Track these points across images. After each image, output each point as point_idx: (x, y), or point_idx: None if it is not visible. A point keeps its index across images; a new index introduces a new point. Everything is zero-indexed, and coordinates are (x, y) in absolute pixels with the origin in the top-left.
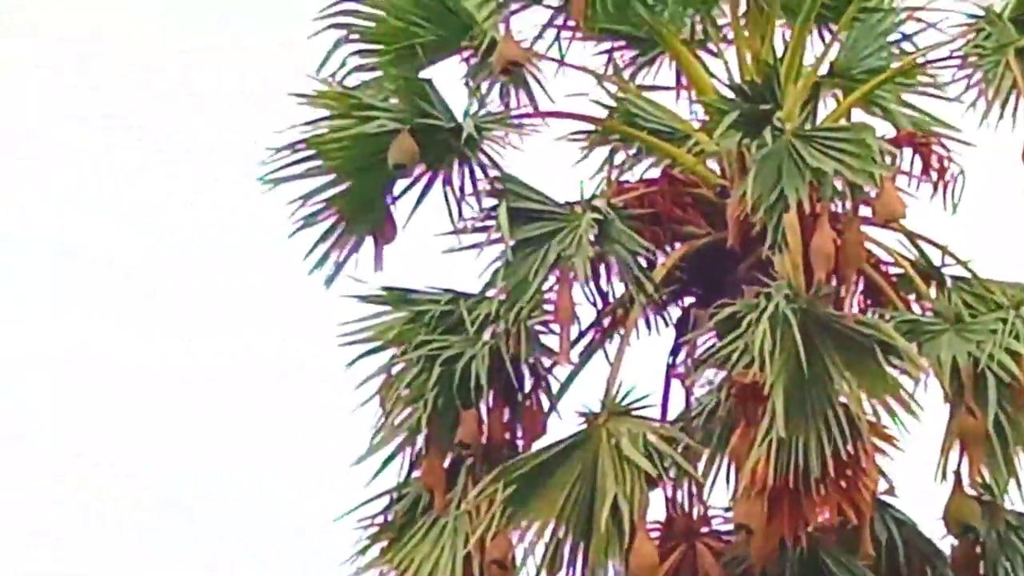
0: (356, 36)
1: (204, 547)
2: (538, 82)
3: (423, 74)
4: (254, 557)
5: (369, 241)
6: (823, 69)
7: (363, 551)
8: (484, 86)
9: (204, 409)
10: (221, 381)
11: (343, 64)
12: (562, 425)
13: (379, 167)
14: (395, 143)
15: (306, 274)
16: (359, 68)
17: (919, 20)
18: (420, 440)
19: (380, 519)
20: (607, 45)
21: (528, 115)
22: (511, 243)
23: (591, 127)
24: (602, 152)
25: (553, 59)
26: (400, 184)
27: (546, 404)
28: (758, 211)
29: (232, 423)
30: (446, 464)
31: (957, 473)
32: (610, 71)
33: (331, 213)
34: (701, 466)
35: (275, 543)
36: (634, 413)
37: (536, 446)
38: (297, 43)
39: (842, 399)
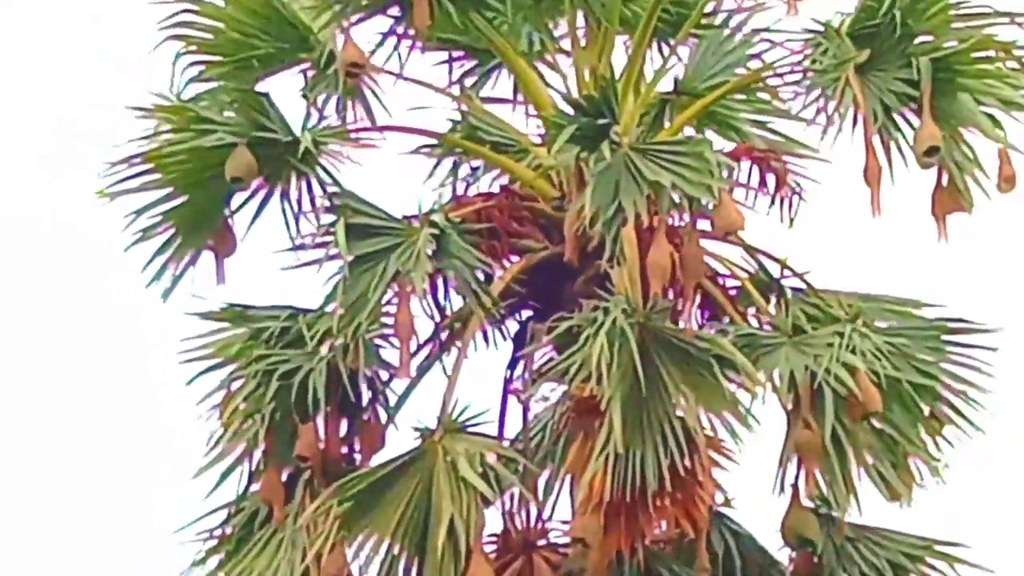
0: (194, 47)
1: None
2: (376, 96)
3: (261, 87)
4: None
5: (208, 256)
6: (668, 85)
7: (201, 562)
8: (321, 99)
9: (42, 418)
10: (63, 390)
11: (182, 75)
12: (400, 439)
13: (217, 181)
14: (232, 157)
15: (144, 287)
16: (196, 79)
17: (766, 39)
18: (258, 454)
19: (219, 532)
20: (446, 56)
21: (367, 129)
22: (349, 259)
23: (432, 141)
24: (442, 165)
25: (392, 73)
26: (238, 198)
27: (384, 418)
28: (596, 225)
29: (68, 434)
30: (284, 478)
31: (794, 486)
32: (450, 83)
33: (168, 226)
34: (541, 481)
35: (114, 555)
36: (471, 429)
37: (375, 460)
38: (136, 54)
39: (679, 413)
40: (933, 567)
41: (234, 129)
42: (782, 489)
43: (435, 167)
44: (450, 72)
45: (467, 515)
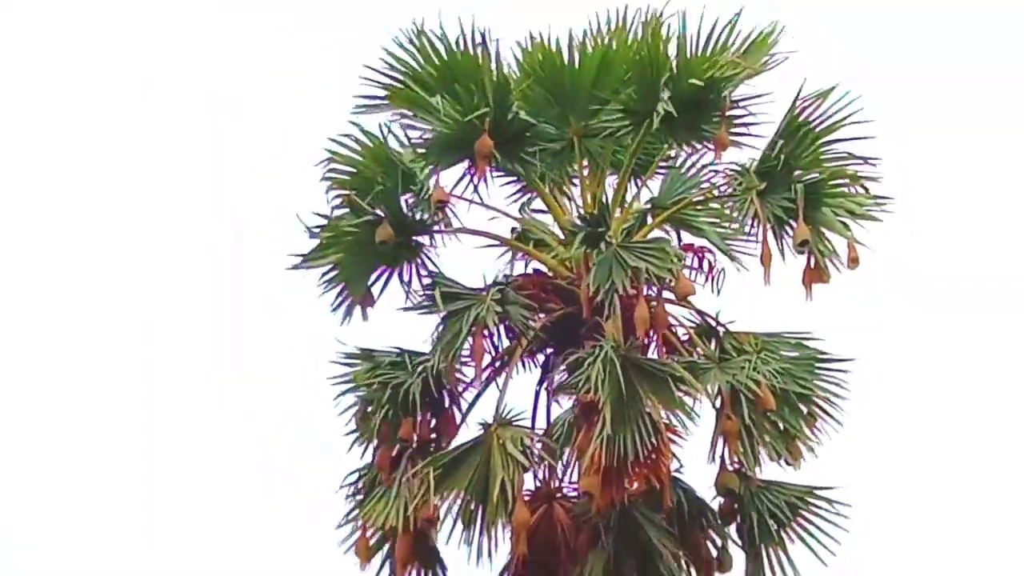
0: (337, 184)
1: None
2: (454, 213)
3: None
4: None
5: (357, 308)
6: (641, 203)
7: (348, 514)
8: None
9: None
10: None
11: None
12: (469, 432)
13: (367, 252)
14: (380, 228)
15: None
16: (340, 207)
17: (712, 170)
18: (377, 439)
19: (353, 489)
20: (504, 180)
21: (464, 230)
22: (443, 312)
23: (498, 242)
24: (503, 257)
25: (469, 200)
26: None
27: (458, 417)
28: (598, 295)
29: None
30: (393, 454)
31: (722, 457)
32: (508, 203)
33: (340, 285)
34: (563, 458)
35: (297, 507)
36: (515, 424)
37: (453, 444)
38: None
39: (648, 411)
40: (815, 504)
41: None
42: (714, 459)
43: (502, 257)
44: (515, 198)
45: (513, 477)
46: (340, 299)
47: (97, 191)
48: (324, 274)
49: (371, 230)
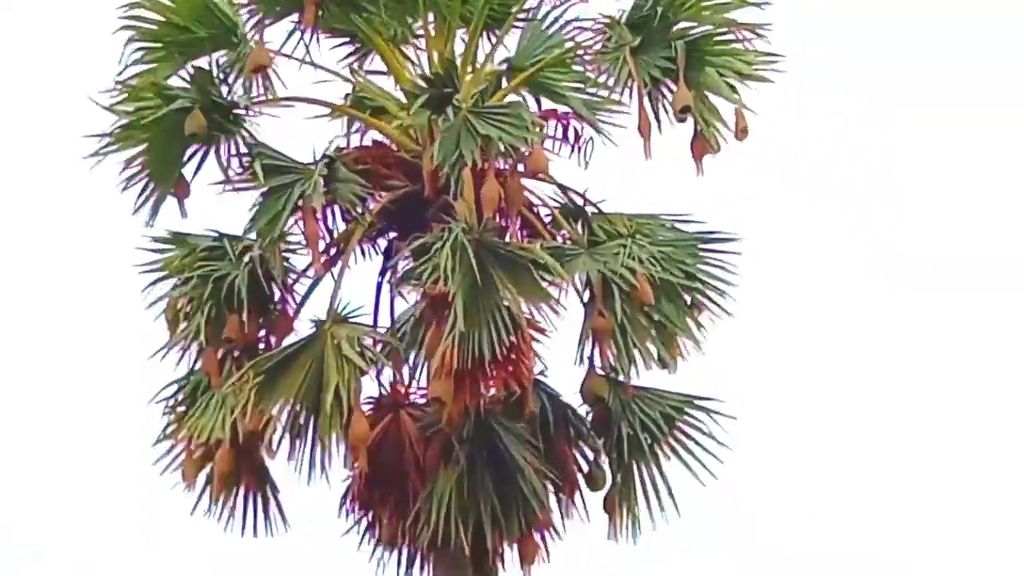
0: (141, 35)
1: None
2: (279, 77)
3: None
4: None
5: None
6: (495, 62)
7: (165, 429)
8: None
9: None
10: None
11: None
12: (301, 330)
13: (176, 139)
14: (189, 118)
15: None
16: (139, 61)
17: (578, 27)
18: (200, 341)
19: (172, 400)
20: (337, 42)
21: (285, 99)
22: (264, 188)
23: (326, 110)
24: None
25: (297, 59)
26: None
27: (292, 312)
28: (443, 168)
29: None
30: (219, 356)
31: (591, 359)
32: (342, 66)
33: (144, 175)
34: (408, 359)
35: (107, 421)
36: (352, 320)
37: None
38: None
39: (506, 303)
40: (693, 416)
41: (191, 97)
42: (581, 361)
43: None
44: (345, 57)
45: (348, 383)
46: (146, 194)
47: None
48: (125, 166)
49: (178, 117)
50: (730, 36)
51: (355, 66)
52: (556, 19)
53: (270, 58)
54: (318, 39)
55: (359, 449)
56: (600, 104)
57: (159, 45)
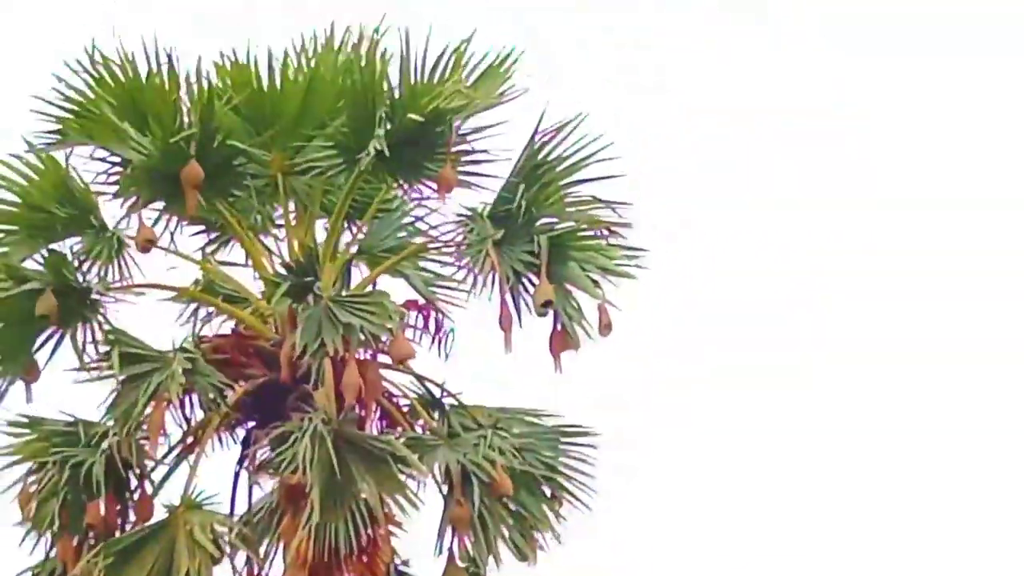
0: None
1: None
2: (135, 262)
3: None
4: None
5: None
6: (354, 250)
7: None
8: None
9: None
10: None
11: None
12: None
13: (26, 322)
14: (40, 299)
15: None
16: None
17: (426, 221)
18: (55, 527)
19: None
20: (198, 228)
21: (137, 285)
22: (122, 377)
23: (174, 294)
24: (189, 312)
25: (159, 246)
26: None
27: (150, 494)
28: (304, 356)
29: None
30: (75, 543)
31: (451, 549)
32: (197, 252)
33: None
34: (262, 548)
35: None
36: (206, 507)
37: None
38: None
39: (364, 496)
40: None
41: (44, 279)
42: (441, 552)
43: (185, 314)
44: (205, 244)
45: (199, 570)
46: None
47: None
48: None
49: (30, 299)
50: (592, 232)
51: (209, 253)
52: (408, 208)
53: (156, 235)
54: (180, 227)
55: None
56: (450, 289)
57: (15, 228)
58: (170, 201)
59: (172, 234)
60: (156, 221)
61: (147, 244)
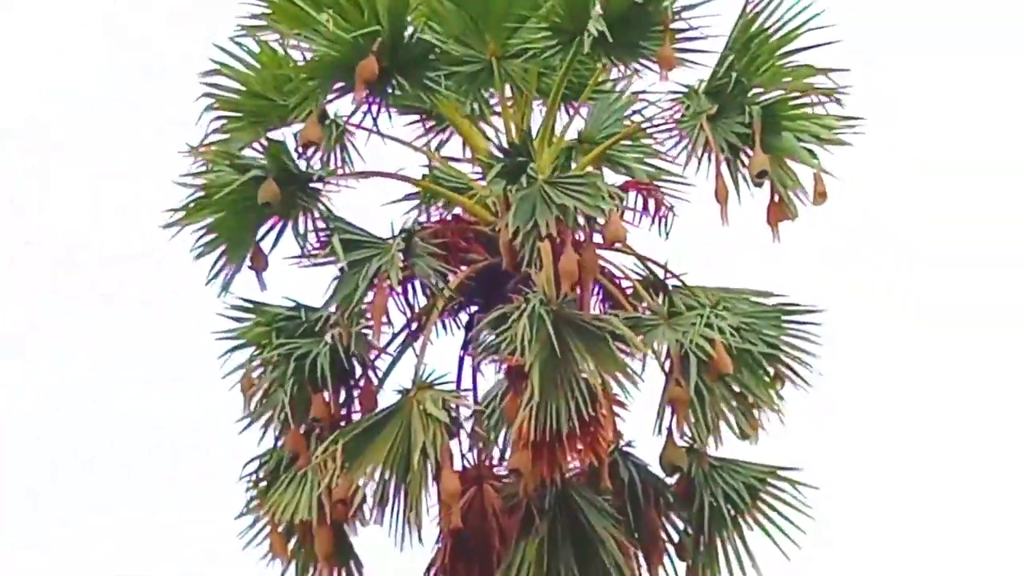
0: (219, 105)
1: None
2: (355, 148)
3: (276, 135)
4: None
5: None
6: (574, 135)
7: (248, 504)
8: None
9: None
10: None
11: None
12: (386, 401)
13: (251, 210)
14: (263, 188)
15: (204, 285)
16: (218, 131)
17: (644, 100)
18: (282, 417)
19: (253, 477)
20: (413, 117)
21: (361, 173)
22: (343, 264)
23: (409, 186)
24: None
25: (371, 130)
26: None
27: (374, 385)
28: (517, 238)
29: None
30: (302, 433)
31: (669, 428)
32: (420, 143)
33: (218, 245)
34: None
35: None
36: (437, 387)
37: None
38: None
39: (584, 375)
40: (776, 487)
41: (266, 167)
42: (660, 431)
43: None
44: (423, 133)
45: (435, 440)
46: (218, 267)
47: None
48: (199, 236)
49: (253, 187)
50: (806, 100)
51: (431, 144)
52: (620, 92)
53: (320, 135)
54: (389, 115)
55: (451, 505)
56: (660, 174)
57: (237, 114)
58: (371, 91)
59: (375, 122)
60: (358, 111)
61: (308, 144)
